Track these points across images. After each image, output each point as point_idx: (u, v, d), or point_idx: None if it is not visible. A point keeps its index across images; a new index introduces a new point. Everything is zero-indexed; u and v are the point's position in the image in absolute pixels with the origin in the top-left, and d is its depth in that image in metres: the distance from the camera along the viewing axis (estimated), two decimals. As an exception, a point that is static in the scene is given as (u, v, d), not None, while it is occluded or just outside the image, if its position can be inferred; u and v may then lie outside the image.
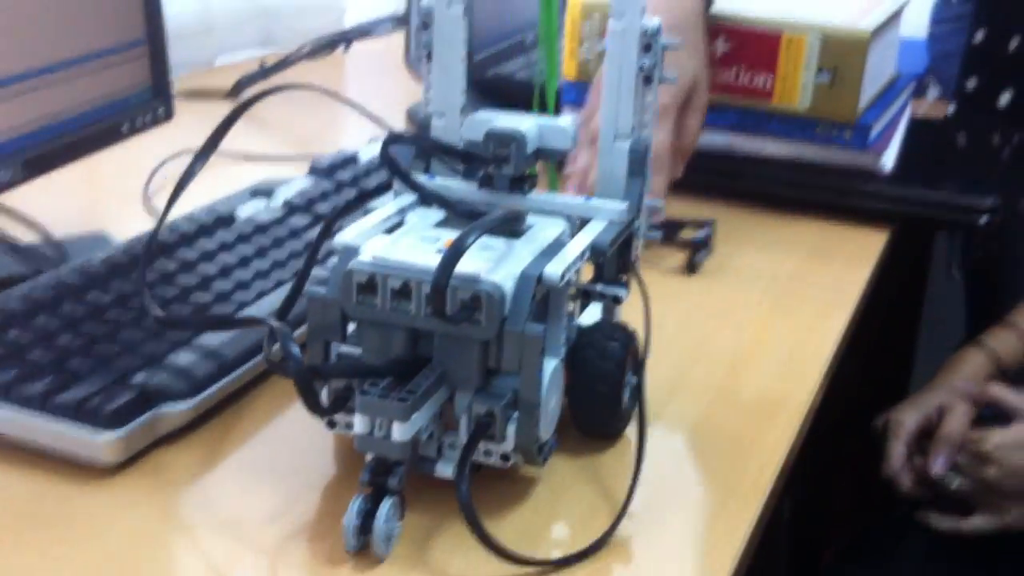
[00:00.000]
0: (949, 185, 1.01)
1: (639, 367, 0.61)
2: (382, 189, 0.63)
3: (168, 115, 0.88)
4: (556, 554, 0.52)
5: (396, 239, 0.55)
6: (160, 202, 0.92)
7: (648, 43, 0.61)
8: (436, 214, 0.59)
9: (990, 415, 1.00)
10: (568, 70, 0.98)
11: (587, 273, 0.62)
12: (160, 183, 0.97)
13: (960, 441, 0.97)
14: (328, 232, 0.58)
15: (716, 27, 0.95)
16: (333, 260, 0.59)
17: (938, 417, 0.99)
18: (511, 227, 0.57)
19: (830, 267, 0.88)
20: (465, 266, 0.51)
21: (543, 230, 0.58)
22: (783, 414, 0.66)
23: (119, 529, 0.53)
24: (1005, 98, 1.18)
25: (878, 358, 1.54)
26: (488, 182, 0.61)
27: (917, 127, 1.20)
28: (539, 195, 0.62)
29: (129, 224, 0.84)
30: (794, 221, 0.96)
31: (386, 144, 0.58)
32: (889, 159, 1.02)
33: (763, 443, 0.63)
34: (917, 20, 1.39)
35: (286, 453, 0.60)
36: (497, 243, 0.56)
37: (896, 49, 1.12)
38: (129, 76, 0.83)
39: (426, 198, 0.60)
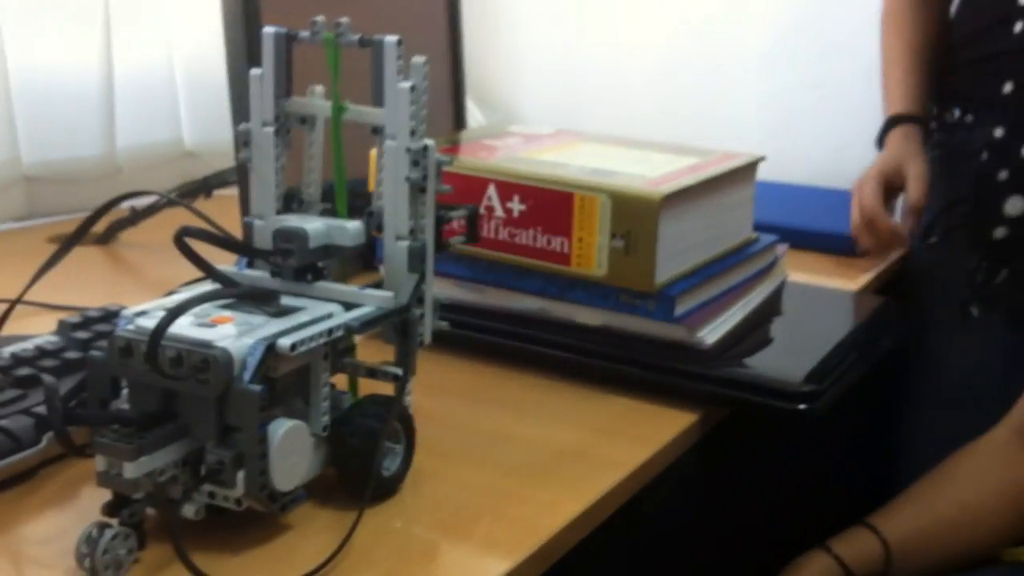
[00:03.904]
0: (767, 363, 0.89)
1: (408, 437, 0.69)
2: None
3: None
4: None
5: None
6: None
7: (416, 159, 0.71)
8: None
9: None
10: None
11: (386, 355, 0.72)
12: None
13: None
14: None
15: (511, 186, 0.90)
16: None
17: None
18: (271, 307, 0.67)
19: (615, 445, 0.79)
20: (208, 334, 0.61)
21: (311, 311, 0.67)
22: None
23: None
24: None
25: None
26: (279, 272, 0.71)
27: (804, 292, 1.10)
28: (322, 284, 0.71)
29: None
30: (601, 393, 0.88)
31: (179, 235, 0.68)
32: (712, 333, 0.91)
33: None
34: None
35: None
36: (258, 319, 0.65)
37: (748, 209, 1.02)
38: None
39: (220, 281, 0.70)
